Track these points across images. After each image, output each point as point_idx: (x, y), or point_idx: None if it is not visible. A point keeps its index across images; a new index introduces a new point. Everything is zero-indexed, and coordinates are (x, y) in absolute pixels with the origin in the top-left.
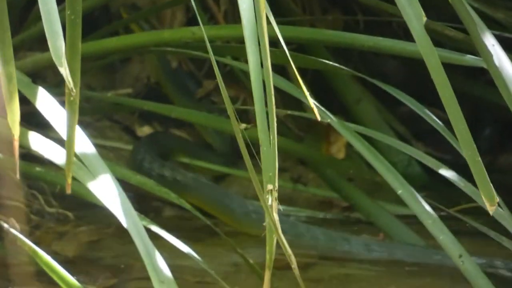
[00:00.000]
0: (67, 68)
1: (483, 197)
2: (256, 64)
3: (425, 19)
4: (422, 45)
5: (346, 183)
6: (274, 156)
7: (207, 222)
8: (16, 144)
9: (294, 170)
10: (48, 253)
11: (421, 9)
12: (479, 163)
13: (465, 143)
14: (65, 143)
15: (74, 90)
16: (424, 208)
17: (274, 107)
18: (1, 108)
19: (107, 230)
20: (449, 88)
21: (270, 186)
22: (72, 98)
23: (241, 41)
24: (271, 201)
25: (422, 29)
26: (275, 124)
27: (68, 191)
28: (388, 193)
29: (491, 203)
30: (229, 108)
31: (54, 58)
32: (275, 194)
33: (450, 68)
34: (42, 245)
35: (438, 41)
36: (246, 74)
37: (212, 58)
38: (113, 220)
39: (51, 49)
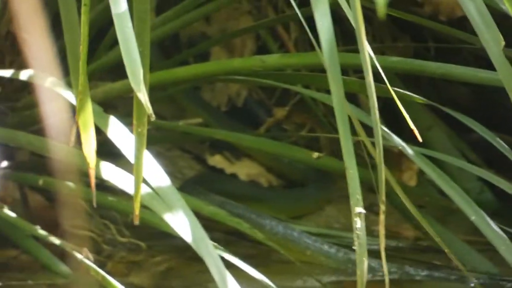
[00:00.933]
0: (146, 94)
1: None
2: (339, 92)
3: (503, 43)
4: (501, 70)
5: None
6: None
7: (277, 248)
8: (92, 173)
9: (365, 198)
10: (122, 283)
11: (499, 33)
12: None
13: None
14: (134, 173)
15: (153, 116)
16: (498, 234)
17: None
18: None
19: (179, 259)
20: None
21: (358, 209)
22: (140, 130)
23: (312, 69)
24: (359, 224)
25: (500, 54)
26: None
27: (136, 221)
28: (460, 220)
29: None
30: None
31: (132, 84)
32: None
33: None
34: (115, 275)
35: None
36: (317, 102)
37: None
38: (185, 249)
39: (129, 76)
